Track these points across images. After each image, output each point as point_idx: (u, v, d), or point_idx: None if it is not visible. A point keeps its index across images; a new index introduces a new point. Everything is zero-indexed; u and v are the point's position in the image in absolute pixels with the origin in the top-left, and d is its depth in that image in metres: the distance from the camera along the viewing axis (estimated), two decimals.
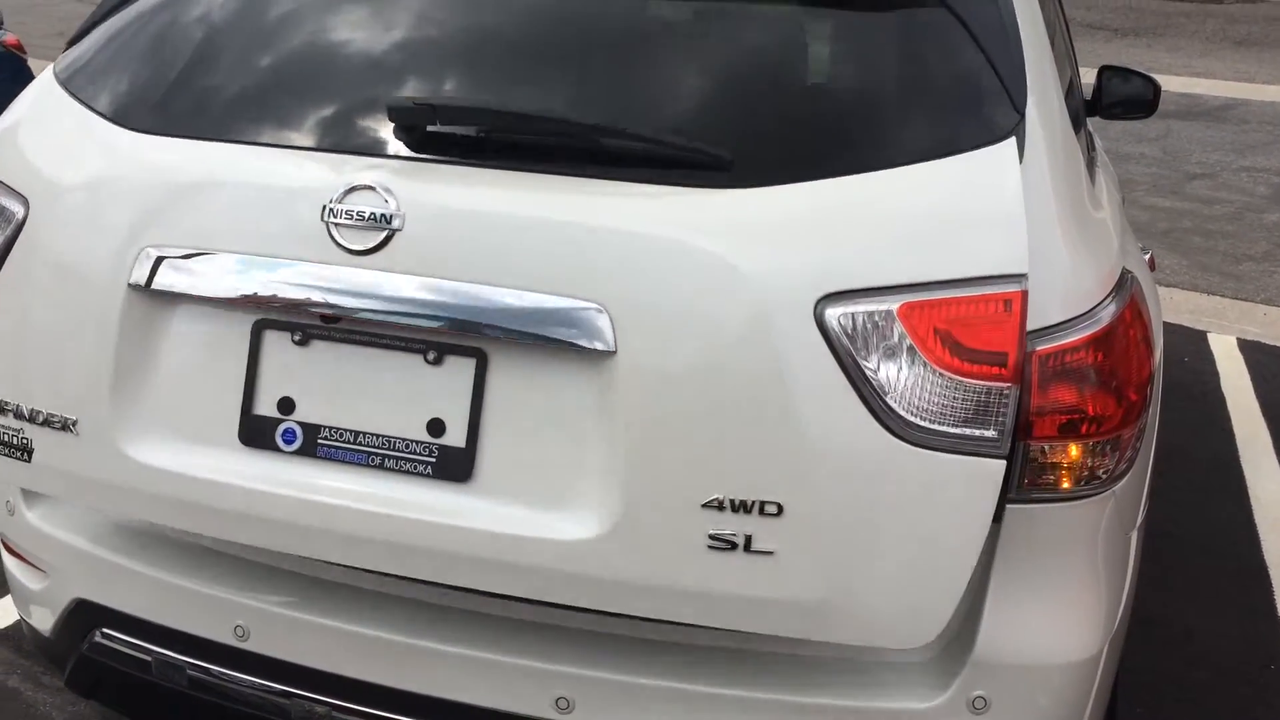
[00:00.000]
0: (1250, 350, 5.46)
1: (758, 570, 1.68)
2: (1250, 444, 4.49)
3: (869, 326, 1.65)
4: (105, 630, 2.14)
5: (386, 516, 1.78)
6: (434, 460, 1.79)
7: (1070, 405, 1.74)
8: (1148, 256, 3.03)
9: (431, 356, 1.79)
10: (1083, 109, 2.92)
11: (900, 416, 1.65)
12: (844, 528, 1.66)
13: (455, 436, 1.78)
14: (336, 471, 1.83)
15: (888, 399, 1.65)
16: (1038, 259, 1.73)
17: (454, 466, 1.78)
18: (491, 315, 1.71)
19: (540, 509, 1.75)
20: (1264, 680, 3.12)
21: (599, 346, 1.69)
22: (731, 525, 1.67)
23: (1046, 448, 1.74)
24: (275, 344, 1.86)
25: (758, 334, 1.65)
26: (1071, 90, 2.52)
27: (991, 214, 1.70)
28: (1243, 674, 3.14)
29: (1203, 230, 7.47)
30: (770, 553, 1.67)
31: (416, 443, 1.80)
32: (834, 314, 1.65)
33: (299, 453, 1.85)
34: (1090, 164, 2.38)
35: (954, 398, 1.66)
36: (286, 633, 1.97)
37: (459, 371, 1.78)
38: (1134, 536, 1.97)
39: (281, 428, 1.85)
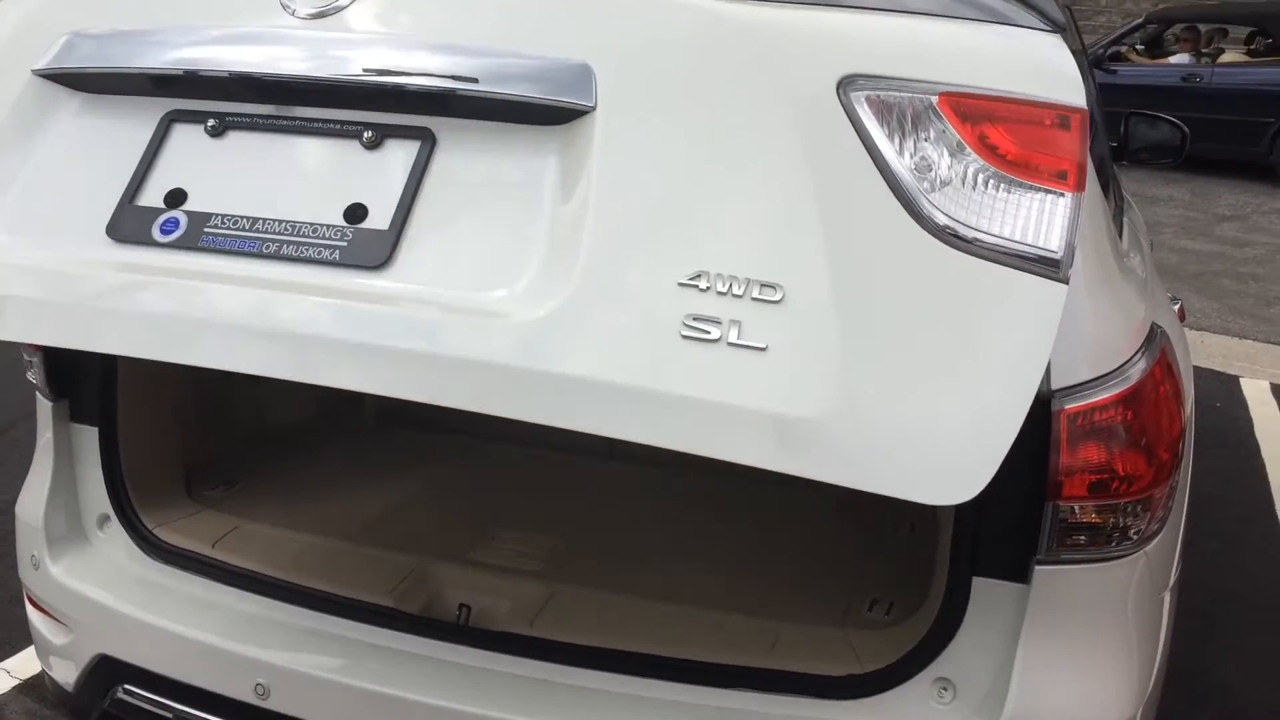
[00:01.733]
0: None
1: (745, 369, 1.33)
2: None
3: (904, 111, 1.41)
4: (127, 686, 2.13)
5: (276, 302, 1.48)
6: (344, 245, 1.51)
7: (1100, 465, 1.72)
8: (1177, 306, 3.00)
9: (369, 138, 1.56)
10: (1108, 155, 2.91)
11: (936, 213, 1.38)
12: (861, 330, 1.33)
13: (378, 220, 1.51)
14: (219, 260, 1.54)
15: (920, 193, 1.39)
16: (1063, 317, 1.72)
17: (370, 250, 1.49)
18: (455, 78, 1.49)
19: (475, 290, 1.45)
20: None
21: (578, 103, 1.47)
22: (715, 309, 1.35)
23: (1076, 508, 1.72)
24: (183, 137, 1.63)
25: (769, 99, 1.40)
26: (1096, 135, 2.51)
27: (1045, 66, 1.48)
28: None
29: (1233, 273, 7.41)
30: (762, 348, 1.33)
31: (327, 227, 1.52)
32: (862, 95, 1.41)
33: (176, 245, 1.57)
34: (1118, 214, 2.37)
35: (1006, 202, 1.39)
36: (307, 692, 1.95)
37: (398, 154, 1.55)
38: (1167, 597, 1.93)
39: (162, 218, 1.58)
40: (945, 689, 1.79)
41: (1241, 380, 5.51)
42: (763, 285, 1.35)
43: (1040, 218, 1.39)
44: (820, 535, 2.37)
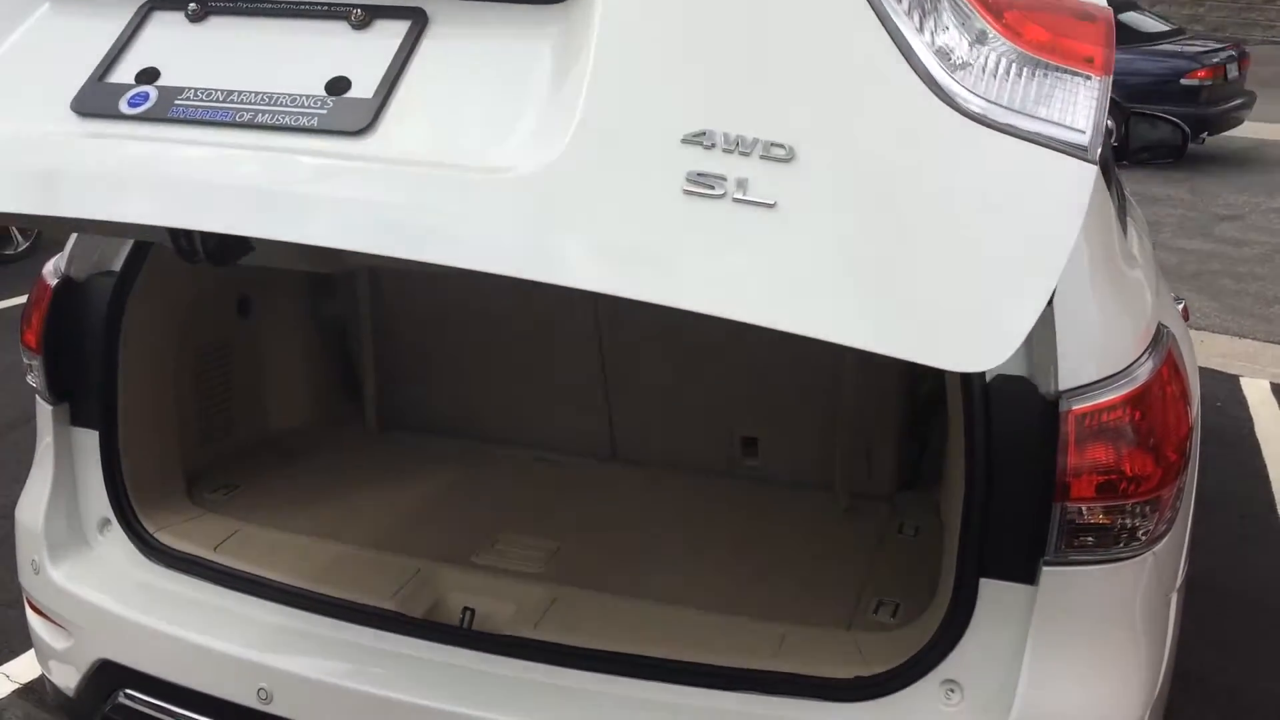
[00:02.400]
0: None
1: (753, 226, 1.27)
2: None
3: None
4: (128, 691, 2.12)
5: (246, 161, 1.42)
6: (323, 113, 1.45)
7: (1108, 465, 1.71)
8: (1181, 306, 2.99)
9: (358, 17, 1.52)
10: (1111, 155, 2.91)
11: (961, 90, 1.32)
12: (878, 196, 1.28)
13: (361, 91, 1.46)
14: (189, 130, 1.48)
15: (944, 70, 1.33)
16: (1070, 317, 1.72)
17: (351, 117, 1.43)
18: None
19: (464, 151, 1.40)
20: None
21: None
22: (721, 167, 1.29)
23: (1084, 509, 1.70)
24: (162, 22, 1.58)
25: None
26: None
27: None
28: None
29: (1233, 273, 7.40)
30: (770, 204, 1.27)
31: (306, 97, 1.47)
32: None
33: (144, 117, 1.51)
34: (1121, 212, 2.36)
35: (1034, 82, 1.35)
36: (311, 697, 1.94)
37: (388, 32, 1.50)
38: (1174, 598, 1.92)
39: (130, 93, 1.52)
40: (953, 691, 1.77)
41: (1242, 379, 5.50)
42: (771, 145, 1.28)
43: (1068, 99, 1.34)
44: (826, 537, 2.36)
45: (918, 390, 2.54)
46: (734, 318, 1.30)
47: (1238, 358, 5.84)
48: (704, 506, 2.50)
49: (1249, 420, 5.05)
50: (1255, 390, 5.42)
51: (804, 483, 2.58)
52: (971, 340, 1.26)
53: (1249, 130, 11.54)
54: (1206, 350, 5.84)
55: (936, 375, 2.70)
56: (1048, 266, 1.27)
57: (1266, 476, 4.53)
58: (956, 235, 1.28)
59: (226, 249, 1.94)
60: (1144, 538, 1.75)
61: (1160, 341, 1.87)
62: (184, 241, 1.91)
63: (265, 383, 2.84)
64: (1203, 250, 7.84)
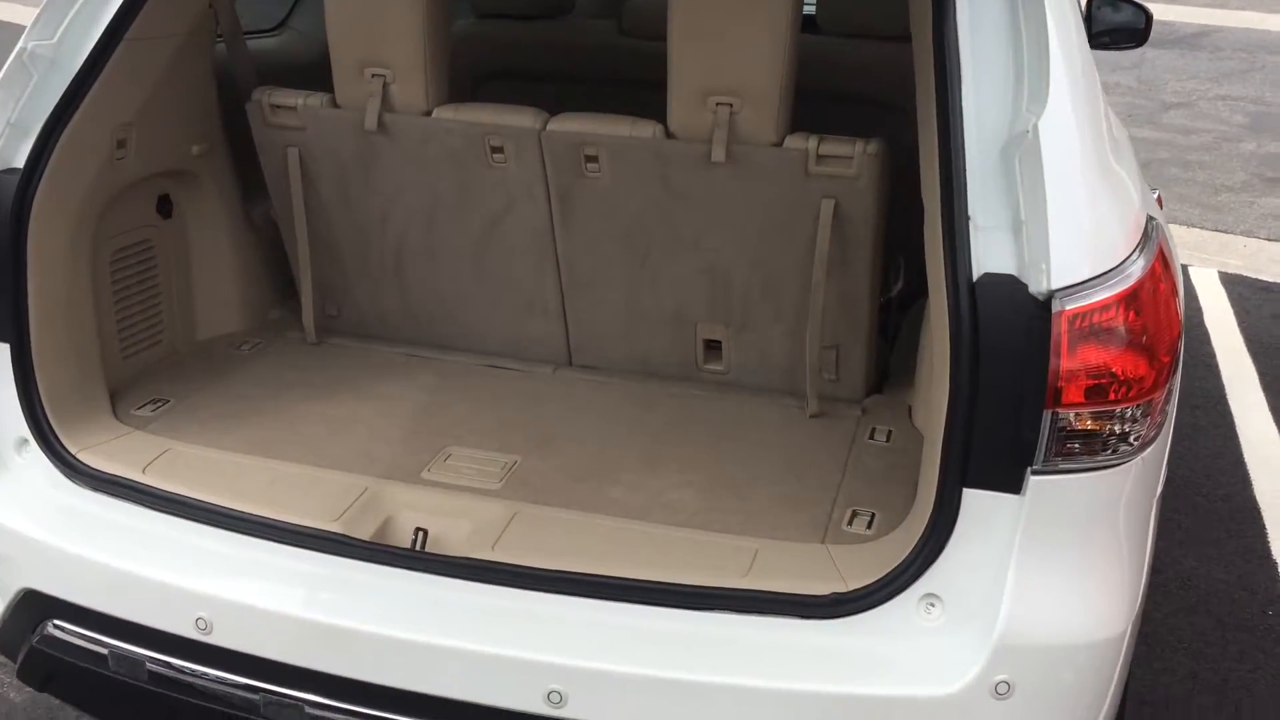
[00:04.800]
0: (1232, 284, 5.37)
1: None
2: (1236, 380, 4.42)
3: None
4: (57, 622, 1.98)
5: None
6: None
7: (1101, 369, 1.61)
8: (1155, 195, 2.90)
9: None
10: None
11: None
12: None
13: None
14: None
15: None
16: (1062, 209, 1.61)
17: None
18: None
19: None
20: (1264, 626, 3.05)
21: None
22: None
23: (1075, 415, 1.62)
24: None
25: None
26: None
27: None
28: (1241, 621, 3.08)
29: (1180, 161, 7.36)
30: None
31: None
32: None
33: None
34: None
35: None
36: (253, 625, 1.82)
37: None
38: (1155, 504, 1.86)
39: None
40: (933, 605, 1.70)
41: (1190, 269, 5.49)
42: None
43: None
44: (795, 446, 2.27)
45: (889, 289, 2.42)
46: None
47: (1186, 247, 5.82)
48: (666, 415, 2.39)
49: (1198, 310, 5.05)
50: (1203, 280, 5.41)
51: (769, 387, 2.47)
52: None
53: (1196, 15, 11.44)
54: None
55: (910, 273, 2.59)
56: None
57: (1216, 366, 4.54)
58: None
59: None
60: (1135, 443, 1.67)
61: (1150, 236, 1.77)
62: None
63: (193, 288, 2.65)
64: (1150, 139, 7.77)
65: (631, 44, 3.06)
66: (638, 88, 3.05)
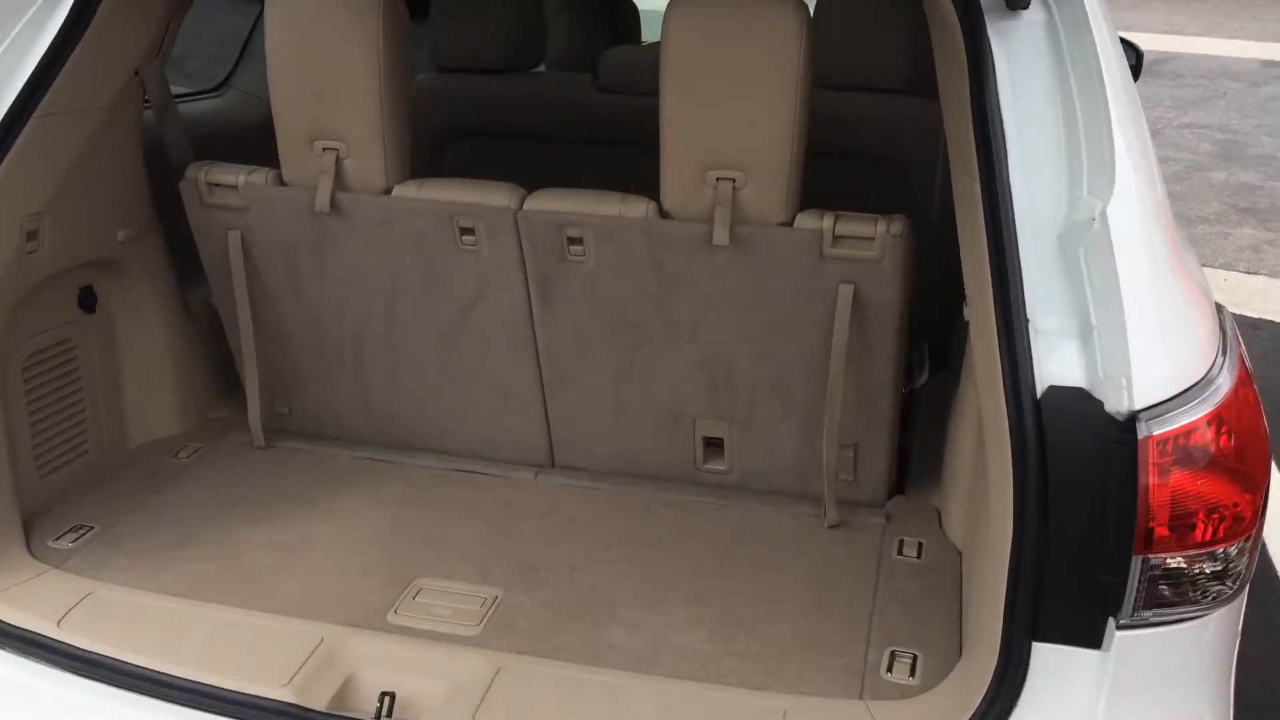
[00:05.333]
0: None
1: None
2: None
3: None
4: None
5: None
6: None
7: (1196, 501, 1.37)
8: None
9: None
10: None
11: None
12: None
13: None
14: None
15: None
16: (1139, 312, 1.37)
17: None
18: None
19: None
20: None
21: None
22: None
23: (1168, 558, 1.37)
24: None
25: None
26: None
27: None
28: (1266, 703, 2.85)
29: None
30: None
31: None
32: None
33: None
34: None
35: None
36: None
37: None
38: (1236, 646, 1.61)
39: None
40: None
41: None
42: None
43: None
44: (814, 565, 2.00)
45: (913, 379, 2.17)
46: None
47: None
48: (665, 530, 2.10)
49: None
50: None
51: (778, 491, 2.21)
52: None
53: (1155, 42, 11.42)
54: None
55: (935, 362, 2.34)
56: None
57: None
58: None
59: None
60: (1233, 586, 1.42)
61: (1229, 334, 1.54)
62: None
63: (122, 389, 2.34)
64: None
65: (609, 100, 2.81)
66: (617, 147, 2.81)
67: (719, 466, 2.23)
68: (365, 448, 2.38)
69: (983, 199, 1.53)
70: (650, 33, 3.77)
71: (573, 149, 2.88)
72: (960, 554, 2.00)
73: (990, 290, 1.49)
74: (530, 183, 2.82)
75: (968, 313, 1.84)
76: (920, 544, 2.03)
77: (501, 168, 2.99)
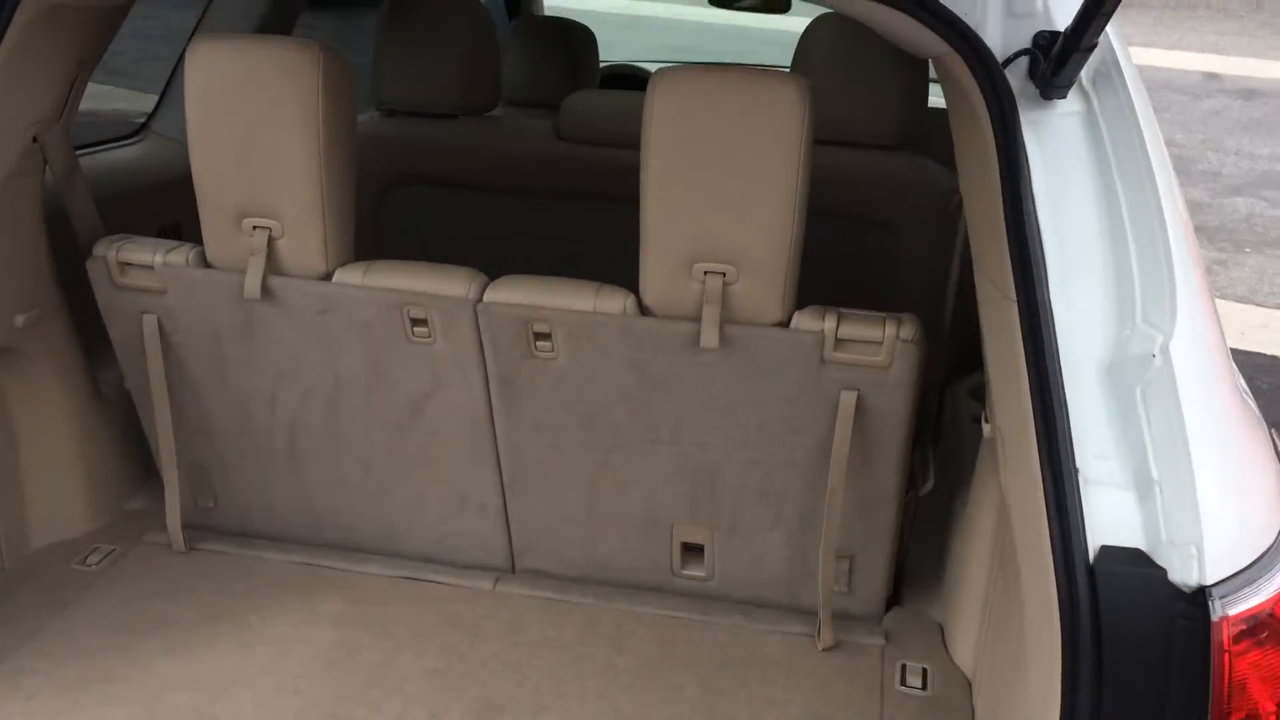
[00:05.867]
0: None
1: None
2: None
3: None
4: None
5: None
6: None
7: (1276, 689, 1.19)
8: None
9: None
10: None
11: None
12: None
13: None
14: None
15: None
16: (1208, 465, 1.20)
17: None
18: None
19: None
20: None
21: None
22: None
23: None
24: None
25: None
26: None
27: None
28: None
29: None
30: None
31: None
32: None
33: None
34: None
35: None
36: None
37: None
38: None
39: None
40: None
41: None
42: None
43: None
44: (811, 703, 1.78)
45: (916, 486, 1.98)
46: None
47: None
48: (642, 657, 1.88)
49: None
50: None
51: (764, 602, 2.01)
52: None
53: None
54: None
55: (940, 470, 2.13)
56: None
57: None
58: None
59: None
60: None
61: None
62: None
63: (23, 485, 2.08)
64: None
65: (570, 150, 2.59)
66: (578, 201, 2.59)
67: (698, 572, 2.03)
68: (301, 550, 2.13)
69: (1022, 326, 1.34)
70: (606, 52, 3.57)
71: (530, 201, 2.65)
72: (969, 683, 1.82)
73: (1031, 429, 1.30)
74: (483, 235, 2.57)
75: (988, 429, 1.66)
76: (924, 670, 1.84)
77: (451, 220, 2.75)
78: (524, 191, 2.61)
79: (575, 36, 3.37)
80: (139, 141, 2.70)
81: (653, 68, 4.78)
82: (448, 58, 2.54)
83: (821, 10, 2.35)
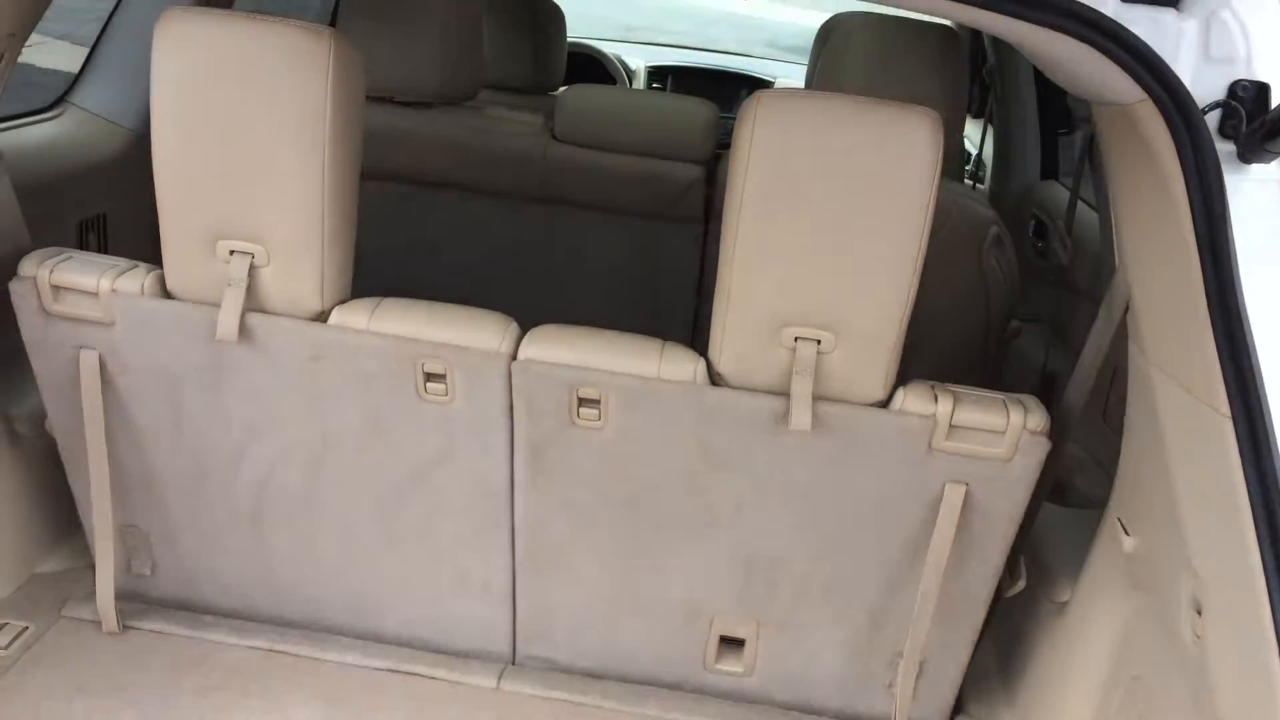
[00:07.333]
0: None
1: None
2: None
3: None
4: None
5: None
6: None
7: None
8: None
9: None
10: None
11: None
12: None
13: None
14: None
15: None
16: None
17: None
18: None
19: None
20: None
21: None
22: None
23: None
24: None
25: None
26: None
27: None
28: None
29: None
30: None
31: None
32: None
33: None
34: None
35: None
36: None
37: None
38: None
39: None
40: None
41: None
42: None
43: None
44: None
45: (1010, 587, 1.72)
46: None
47: None
48: None
49: None
50: None
51: (812, 706, 1.74)
52: None
53: None
54: None
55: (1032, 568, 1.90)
56: None
57: None
58: None
59: None
60: None
61: None
62: None
63: None
64: None
65: (567, 152, 2.29)
66: (574, 209, 2.31)
67: (734, 668, 1.75)
68: (262, 632, 1.78)
69: (1242, 452, 1.10)
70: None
71: (517, 204, 2.33)
72: None
73: (1257, 578, 1.07)
74: (460, 239, 2.26)
75: (1130, 543, 1.42)
76: None
77: (423, 221, 2.40)
78: (510, 192, 2.31)
79: (543, 12, 3.11)
80: (56, 117, 2.26)
81: (608, 47, 4.54)
82: (426, 39, 2.20)
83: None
